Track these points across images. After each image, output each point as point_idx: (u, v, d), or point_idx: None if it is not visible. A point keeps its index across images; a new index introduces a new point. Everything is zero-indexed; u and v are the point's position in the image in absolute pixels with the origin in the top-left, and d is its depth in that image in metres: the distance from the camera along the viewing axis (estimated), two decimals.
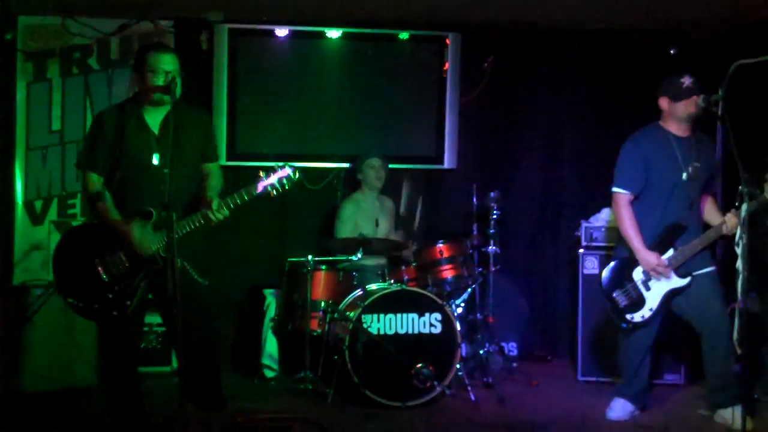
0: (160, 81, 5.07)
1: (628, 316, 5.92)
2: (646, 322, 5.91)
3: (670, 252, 5.84)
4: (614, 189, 5.98)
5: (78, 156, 5.33)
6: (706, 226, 5.95)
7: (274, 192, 5.13)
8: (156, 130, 5.18)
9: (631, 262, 5.92)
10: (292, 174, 5.11)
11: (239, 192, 5.09)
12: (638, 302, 5.90)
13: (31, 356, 6.56)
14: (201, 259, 5.31)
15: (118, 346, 5.28)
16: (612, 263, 6.05)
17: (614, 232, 7.00)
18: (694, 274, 5.84)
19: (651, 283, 5.88)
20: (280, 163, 5.15)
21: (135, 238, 5.03)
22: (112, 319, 5.10)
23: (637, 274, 5.91)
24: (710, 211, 6.03)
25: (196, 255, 5.24)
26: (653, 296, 5.88)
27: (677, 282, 5.85)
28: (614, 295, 5.95)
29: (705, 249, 5.88)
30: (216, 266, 5.42)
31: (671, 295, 5.88)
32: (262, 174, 5.10)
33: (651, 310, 5.88)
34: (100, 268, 5.08)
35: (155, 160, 5.10)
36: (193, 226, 5.05)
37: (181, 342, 4.75)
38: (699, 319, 5.90)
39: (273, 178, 5.08)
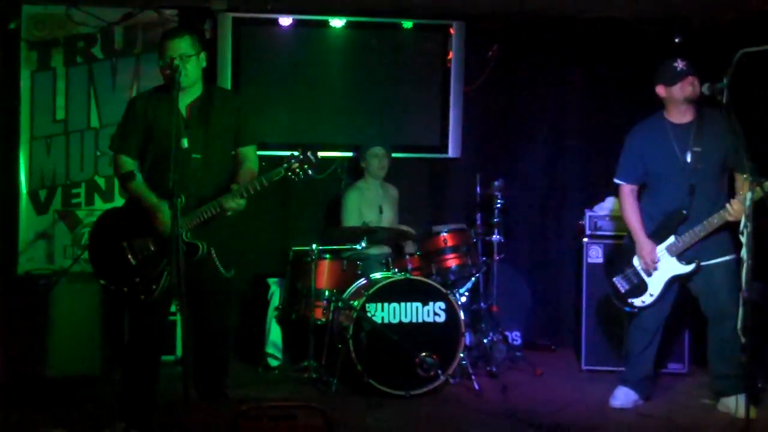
0: (166, 70, 5.07)
1: (630, 301, 5.97)
2: (648, 307, 5.94)
3: (671, 239, 5.84)
4: (615, 180, 6.08)
5: (111, 139, 5.34)
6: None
7: (295, 178, 5.08)
8: (185, 114, 5.14)
9: (632, 248, 5.95)
10: (313, 159, 5.04)
11: (260, 178, 5.04)
12: (640, 287, 5.93)
13: (34, 345, 6.56)
14: (229, 251, 5.26)
15: (142, 331, 5.26)
16: (614, 249, 6.09)
17: (620, 221, 7.02)
18: (707, 263, 5.82)
19: (652, 270, 5.90)
20: (301, 149, 5.07)
21: (162, 219, 5.02)
22: (140, 303, 5.11)
23: (637, 260, 5.94)
24: (743, 186, 5.79)
25: (224, 245, 5.20)
26: (655, 282, 5.89)
27: (680, 268, 5.84)
28: (614, 280, 6.00)
29: (719, 236, 5.80)
30: (239, 257, 5.37)
31: (675, 281, 5.89)
32: (285, 160, 5.02)
33: (652, 295, 5.90)
34: (128, 252, 5.10)
35: (184, 144, 5.06)
36: (209, 215, 5.01)
37: (185, 330, 4.77)
38: (706, 306, 5.91)
39: (295, 165, 5.01)
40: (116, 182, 7.40)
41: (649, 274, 5.90)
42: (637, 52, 7.93)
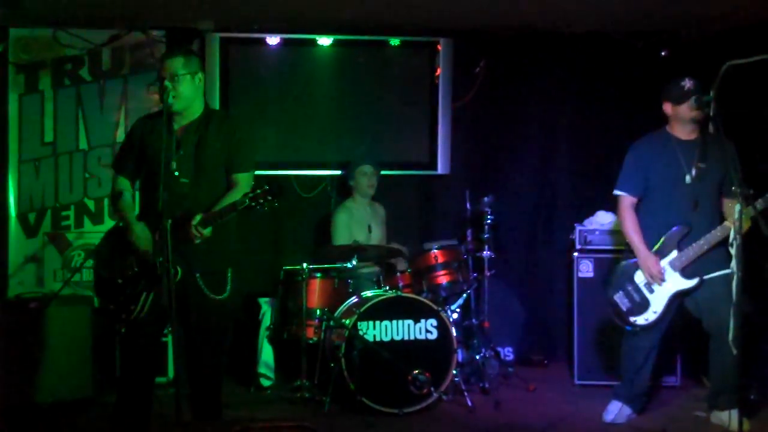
0: (158, 91, 5.10)
1: (632, 319, 5.91)
2: (651, 325, 5.91)
3: (674, 253, 5.83)
4: (615, 191, 6.04)
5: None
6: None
7: (260, 210, 5.00)
8: (177, 136, 5.10)
9: (634, 264, 5.93)
10: (278, 191, 4.96)
11: (219, 210, 4.99)
12: (642, 305, 5.90)
13: (25, 369, 6.52)
14: (217, 273, 5.21)
15: (130, 353, 5.24)
16: (614, 267, 6.07)
17: (612, 235, 7.02)
18: (707, 276, 5.82)
19: (654, 286, 5.88)
20: (265, 181, 5.02)
21: (134, 237, 5.03)
22: (123, 322, 5.08)
23: (639, 277, 5.91)
24: (730, 211, 5.95)
25: (211, 268, 5.16)
26: (658, 298, 5.87)
27: (683, 283, 5.83)
28: (615, 298, 5.96)
29: (718, 250, 5.80)
30: (235, 278, 5.35)
31: (678, 297, 5.88)
32: (249, 197, 4.95)
33: (656, 312, 5.87)
34: (117, 270, 5.11)
35: (173, 166, 5.01)
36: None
37: (176, 351, 4.75)
38: (708, 320, 5.89)
39: (259, 197, 4.94)
40: (105, 204, 7.44)
41: (652, 291, 5.88)
42: (625, 66, 7.96)
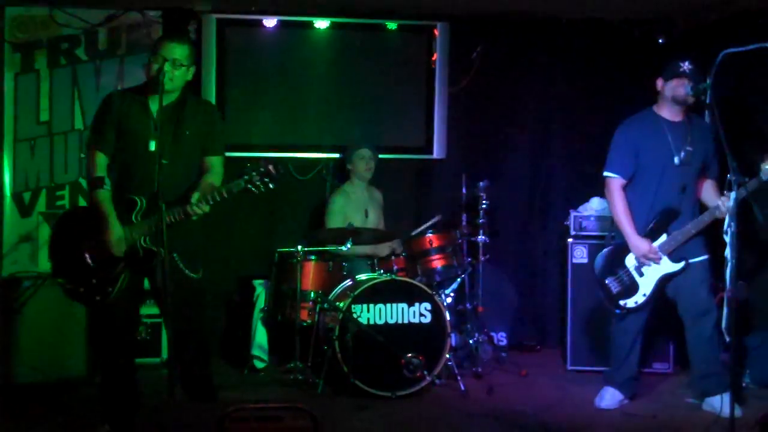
0: (154, 67, 5.07)
1: (622, 302, 5.94)
2: (639, 308, 5.94)
3: (663, 237, 5.85)
4: (605, 173, 6.02)
5: (87, 137, 5.34)
6: (703, 211, 5.94)
7: (256, 191, 5.06)
8: (156, 118, 5.10)
9: (624, 248, 5.94)
10: (274, 173, 5.02)
11: (220, 188, 5.04)
12: (631, 288, 5.92)
13: (21, 348, 6.53)
14: (194, 253, 5.27)
15: (107, 334, 5.28)
16: (604, 250, 6.07)
17: (606, 221, 7.03)
18: (691, 261, 5.85)
19: (644, 269, 5.90)
20: (262, 162, 5.06)
21: (111, 239, 5.03)
22: (96, 304, 5.12)
23: (630, 261, 5.93)
24: (709, 195, 6.01)
25: (188, 247, 5.21)
26: (646, 282, 5.90)
27: (671, 267, 5.86)
28: (606, 281, 5.97)
29: (699, 235, 5.87)
30: (205, 257, 5.38)
31: (665, 280, 5.90)
32: (246, 172, 5.01)
33: (644, 295, 5.90)
34: (86, 253, 5.09)
35: (151, 147, 5.05)
36: (173, 219, 5.01)
37: (170, 333, 4.76)
38: (685, 306, 5.93)
39: (255, 178, 5.00)
40: None
41: (642, 274, 5.90)
42: (622, 53, 7.97)
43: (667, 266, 5.87)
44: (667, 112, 5.91)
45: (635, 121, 6.00)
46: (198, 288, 5.31)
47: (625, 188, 5.98)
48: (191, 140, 5.22)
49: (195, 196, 5.01)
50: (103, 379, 5.35)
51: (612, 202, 6.01)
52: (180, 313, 5.07)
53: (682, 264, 5.83)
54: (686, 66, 5.79)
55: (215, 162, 5.34)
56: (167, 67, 5.04)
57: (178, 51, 5.11)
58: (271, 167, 4.95)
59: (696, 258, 5.88)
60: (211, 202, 5.01)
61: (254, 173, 4.92)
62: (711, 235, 5.95)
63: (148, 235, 5.03)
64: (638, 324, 6.03)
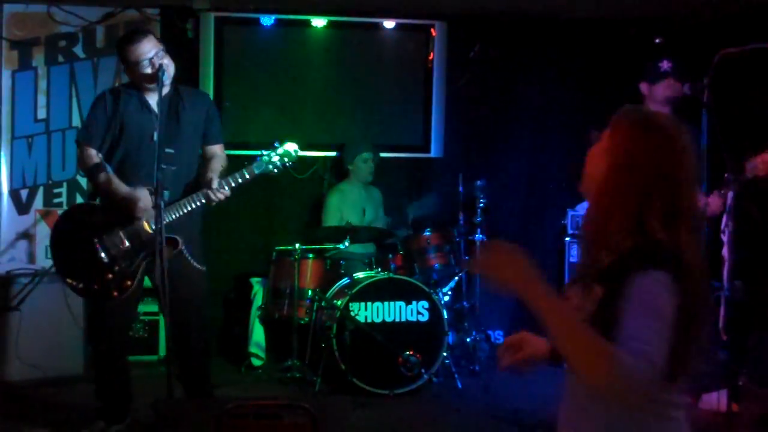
0: (148, 70, 5.08)
1: None
2: None
3: None
4: None
5: (77, 132, 5.36)
6: None
7: (275, 171, 5.15)
8: (156, 110, 5.14)
9: None
10: (293, 152, 5.11)
11: (241, 171, 5.10)
12: None
13: (18, 345, 6.52)
14: (198, 244, 5.34)
15: (104, 330, 5.30)
16: None
17: None
18: None
19: None
20: (278, 143, 5.14)
21: (143, 206, 5.04)
22: (112, 299, 5.11)
23: None
24: None
25: (193, 239, 5.25)
26: None
27: None
28: None
29: None
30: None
31: None
32: (264, 153, 5.08)
33: None
34: (99, 249, 5.08)
35: (155, 138, 5.06)
36: (193, 206, 5.06)
37: (169, 328, 4.77)
38: None
39: (275, 158, 5.08)
40: None
41: None
42: (619, 52, 7.96)
43: None
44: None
45: None
46: (202, 280, 5.36)
47: None
48: (191, 130, 5.28)
49: (216, 182, 5.06)
50: (99, 375, 5.36)
51: None
52: (185, 304, 5.10)
53: None
54: (666, 65, 5.81)
55: (217, 149, 5.40)
56: (167, 60, 5.11)
57: (152, 47, 5.12)
58: (289, 144, 5.03)
59: None
60: (233, 185, 5.06)
61: (272, 152, 5.00)
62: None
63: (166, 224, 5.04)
64: None
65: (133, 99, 5.23)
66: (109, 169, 5.17)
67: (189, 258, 5.20)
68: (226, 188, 5.09)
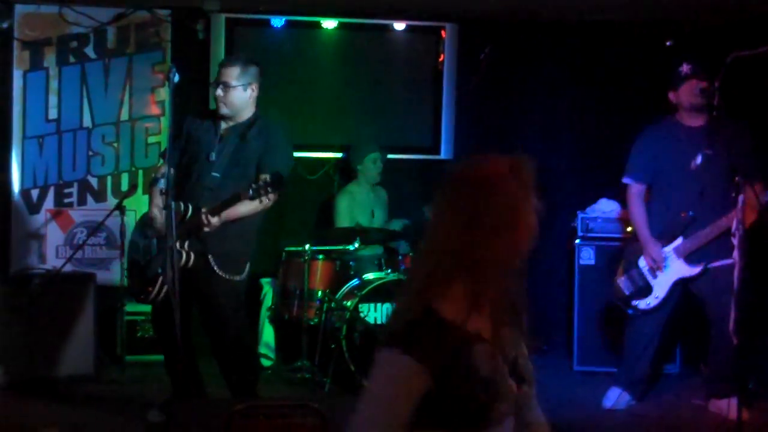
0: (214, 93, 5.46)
1: (634, 303, 5.95)
2: (653, 310, 5.92)
3: (678, 240, 5.83)
4: (624, 179, 6.04)
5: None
6: None
7: (263, 205, 5.23)
8: (222, 133, 5.41)
9: (638, 249, 5.95)
10: (273, 191, 5.12)
11: (224, 202, 5.16)
12: (645, 289, 5.92)
13: (29, 345, 6.53)
14: (227, 255, 5.39)
15: (158, 330, 5.64)
16: (618, 250, 6.09)
17: (614, 223, 7.04)
18: (712, 265, 5.80)
19: (658, 271, 5.88)
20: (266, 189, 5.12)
21: (154, 220, 5.31)
22: (142, 302, 5.46)
23: (642, 262, 5.93)
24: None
25: (223, 251, 5.34)
26: (661, 284, 5.88)
27: (687, 270, 5.83)
28: (619, 281, 5.98)
29: (725, 238, 5.68)
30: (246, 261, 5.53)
31: (681, 283, 5.88)
32: (250, 190, 5.08)
33: (657, 298, 5.89)
34: (140, 252, 5.39)
35: (212, 157, 5.32)
36: (189, 226, 5.22)
37: (179, 334, 4.78)
38: (709, 308, 5.91)
39: (255, 194, 5.09)
40: (109, 182, 7.52)
41: (655, 276, 5.89)
42: (630, 55, 7.95)
43: (683, 269, 5.84)
44: (686, 117, 5.89)
45: (653, 128, 6.02)
46: (229, 288, 5.43)
47: (648, 194, 6.01)
48: (246, 160, 5.38)
49: (203, 210, 5.18)
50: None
51: (629, 207, 6.08)
52: (213, 315, 5.19)
53: (699, 268, 5.80)
54: (686, 68, 5.80)
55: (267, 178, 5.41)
56: (219, 92, 5.33)
57: (229, 73, 5.38)
58: (275, 178, 5.06)
59: (718, 262, 5.79)
60: (218, 214, 5.10)
61: (260, 183, 5.05)
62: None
63: (185, 239, 5.14)
64: (653, 327, 6.01)
65: (207, 119, 5.54)
66: (159, 183, 5.31)
67: (214, 267, 5.28)
68: (214, 218, 5.13)
